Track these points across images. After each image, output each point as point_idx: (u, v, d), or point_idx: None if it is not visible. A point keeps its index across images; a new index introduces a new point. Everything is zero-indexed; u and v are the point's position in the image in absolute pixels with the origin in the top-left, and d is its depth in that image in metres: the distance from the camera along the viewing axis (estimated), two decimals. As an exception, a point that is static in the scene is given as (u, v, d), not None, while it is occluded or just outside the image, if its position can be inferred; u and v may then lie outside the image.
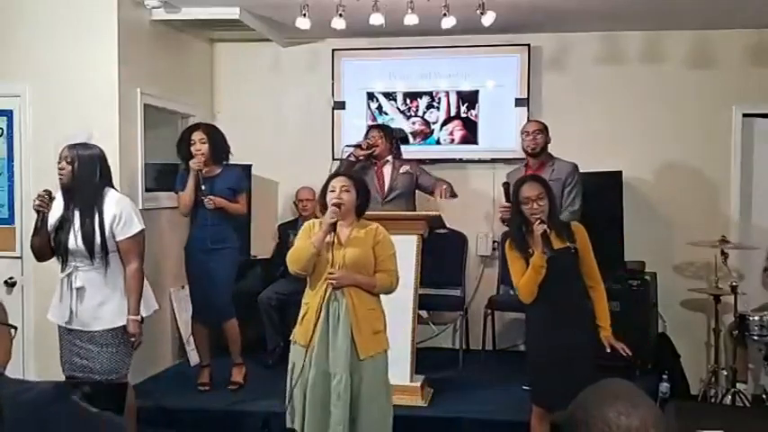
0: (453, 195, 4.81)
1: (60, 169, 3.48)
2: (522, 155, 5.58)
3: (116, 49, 4.58)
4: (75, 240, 3.43)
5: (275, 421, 4.23)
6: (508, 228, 4.68)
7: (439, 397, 4.51)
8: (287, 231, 5.62)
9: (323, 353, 3.30)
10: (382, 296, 3.46)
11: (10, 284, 4.67)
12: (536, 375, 3.61)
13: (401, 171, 4.91)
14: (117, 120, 4.58)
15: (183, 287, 5.40)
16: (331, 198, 3.36)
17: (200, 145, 4.59)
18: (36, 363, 4.55)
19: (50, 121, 4.58)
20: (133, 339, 3.52)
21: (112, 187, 3.61)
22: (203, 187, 4.57)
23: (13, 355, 1.79)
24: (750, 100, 5.46)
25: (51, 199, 3.47)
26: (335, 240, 3.34)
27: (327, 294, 3.31)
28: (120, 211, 3.49)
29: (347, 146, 5.02)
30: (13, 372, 1.78)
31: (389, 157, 4.95)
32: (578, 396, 1.48)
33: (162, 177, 5.24)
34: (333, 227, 3.31)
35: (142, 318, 3.55)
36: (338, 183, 3.40)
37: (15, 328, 1.77)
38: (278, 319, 5.34)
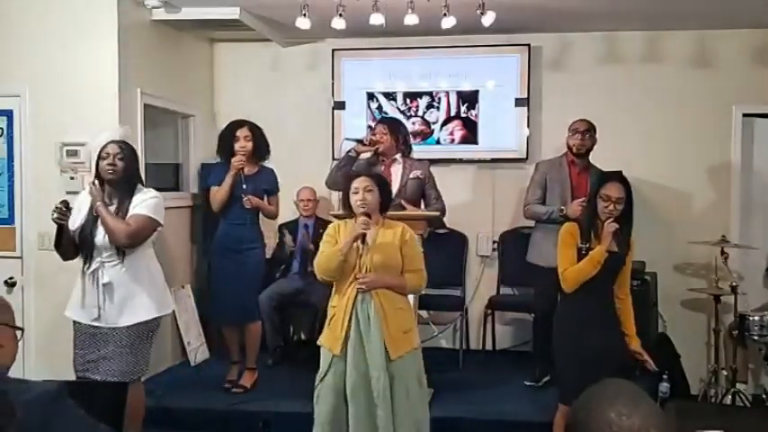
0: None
1: (111, 165, 3.46)
2: (521, 155, 5.62)
3: (116, 49, 4.58)
4: (102, 235, 3.43)
5: (275, 421, 4.23)
6: (563, 217, 4.60)
7: (439, 397, 4.50)
8: (287, 231, 5.63)
9: (359, 355, 3.28)
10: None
11: (10, 284, 4.67)
12: (568, 375, 3.55)
13: (411, 176, 4.58)
14: (117, 120, 4.58)
15: (183, 287, 5.41)
16: (355, 201, 3.33)
17: (244, 142, 4.60)
18: (37, 362, 4.54)
19: (50, 121, 4.58)
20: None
21: (142, 183, 3.65)
22: (244, 186, 4.57)
23: (14, 354, 1.79)
24: (750, 100, 5.46)
25: (69, 209, 3.44)
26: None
27: (355, 297, 3.30)
28: (149, 196, 3.53)
29: (347, 139, 4.81)
30: (13, 371, 1.78)
31: (398, 156, 4.63)
32: (581, 397, 1.47)
33: (162, 177, 5.24)
34: (362, 236, 3.27)
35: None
36: (360, 184, 3.36)
37: (22, 330, 1.77)
38: (278, 320, 5.35)
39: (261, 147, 4.70)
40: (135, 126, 4.80)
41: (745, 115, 5.49)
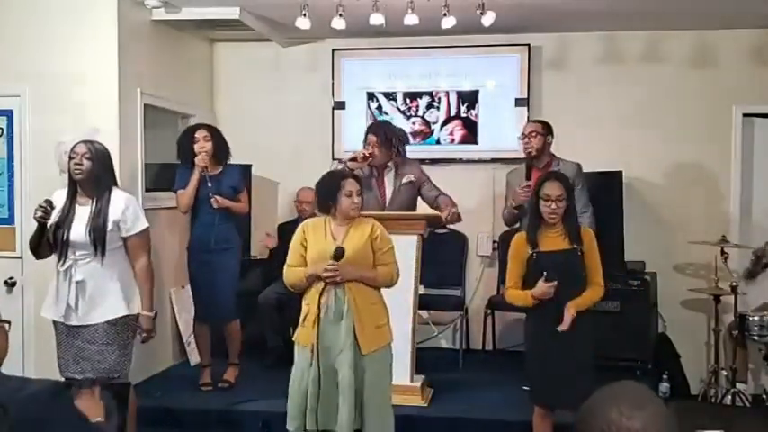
0: (458, 219, 4.54)
1: (77, 164, 3.46)
2: (521, 155, 5.60)
3: (116, 49, 4.58)
4: (78, 233, 3.43)
5: (275, 421, 4.23)
6: (516, 209, 4.57)
7: (439, 397, 4.50)
8: (287, 231, 5.62)
9: (327, 350, 3.31)
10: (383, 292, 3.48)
11: (10, 284, 4.67)
12: (536, 375, 3.62)
13: (404, 181, 4.61)
14: (117, 120, 4.58)
15: (182, 287, 5.40)
16: (350, 204, 3.35)
17: (204, 143, 4.61)
18: (36, 363, 4.53)
19: (50, 121, 4.58)
20: (145, 335, 3.57)
21: (116, 184, 3.64)
22: (209, 185, 4.58)
23: (13, 355, 1.79)
24: (750, 100, 5.45)
25: (52, 208, 3.46)
26: (332, 237, 3.39)
27: (328, 292, 3.32)
28: (128, 208, 3.54)
29: (336, 159, 4.81)
30: (12, 372, 1.78)
31: (391, 164, 4.63)
32: (592, 395, 1.45)
33: (162, 177, 5.24)
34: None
35: (156, 313, 3.59)
36: (354, 187, 3.38)
37: (9, 323, 1.77)
38: (278, 319, 5.33)
39: (221, 147, 4.69)
40: (135, 126, 4.81)
41: (745, 115, 5.49)
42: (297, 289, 3.47)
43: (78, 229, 3.45)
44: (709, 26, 5.37)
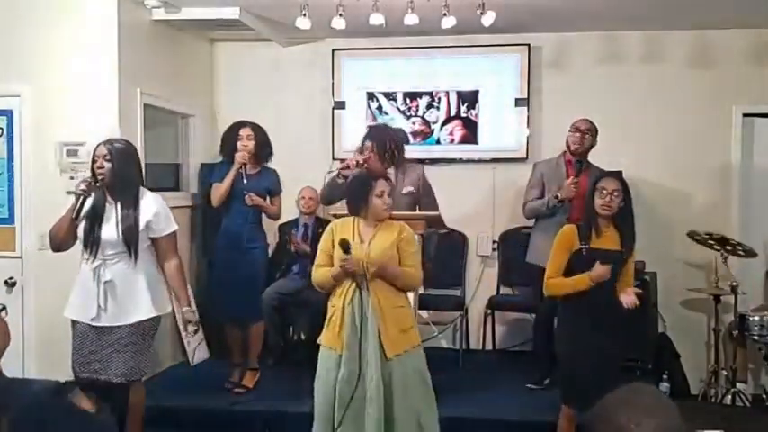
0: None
1: (99, 168, 3.43)
2: (521, 155, 5.62)
3: (116, 49, 4.58)
4: (110, 232, 3.40)
5: (275, 421, 4.24)
6: (560, 202, 4.54)
7: (439, 397, 4.49)
8: (287, 231, 5.62)
9: (353, 353, 3.28)
10: None
11: (10, 284, 4.67)
12: (569, 375, 3.60)
13: (403, 192, 4.36)
14: (117, 120, 4.58)
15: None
16: (381, 203, 3.36)
17: (246, 141, 4.67)
18: (37, 363, 4.54)
19: (50, 121, 4.58)
20: (195, 328, 3.72)
21: (142, 182, 3.62)
22: (245, 181, 4.61)
23: (13, 355, 1.80)
24: (750, 100, 5.45)
25: (96, 183, 3.42)
26: (360, 238, 3.37)
27: (352, 294, 3.31)
28: (159, 209, 3.54)
29: (337, 160, 4.75)
30: (13, 372, 1.78)
31: (390, 170, 4.34)
32: (605, 397, 1.44)
33: (162, 177, 5.24)
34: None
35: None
36: (385, 187, 3.39)
37: (4, 307, 1.79)
38: (279, 319, 5.34)
39: (263, 147, 4.75)
40: (135, 126, 4.81)
41: (745, 115, 5.49)
42: (324, 289, 3.46)
43: (110, 228, 3.42)
44: (709, 26, 5.37)
